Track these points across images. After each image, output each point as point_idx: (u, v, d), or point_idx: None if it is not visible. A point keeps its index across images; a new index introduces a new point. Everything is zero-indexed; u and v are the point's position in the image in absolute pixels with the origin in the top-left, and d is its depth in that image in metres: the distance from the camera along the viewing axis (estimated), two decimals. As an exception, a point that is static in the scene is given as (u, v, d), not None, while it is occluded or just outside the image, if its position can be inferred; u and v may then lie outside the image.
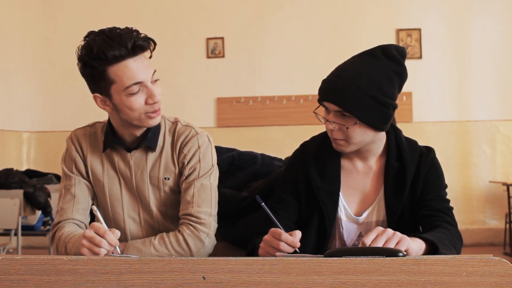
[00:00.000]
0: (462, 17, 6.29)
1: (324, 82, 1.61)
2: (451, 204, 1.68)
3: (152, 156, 1.71)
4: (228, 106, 6.33)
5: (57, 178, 5.39)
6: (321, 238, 1.67)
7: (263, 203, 1.45)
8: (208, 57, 6.31)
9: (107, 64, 1.55)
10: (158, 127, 1.72)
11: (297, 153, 1.75)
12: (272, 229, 1.41)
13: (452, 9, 6.29)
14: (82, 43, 1.59)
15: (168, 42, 5.96)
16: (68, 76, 6.17)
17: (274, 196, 1.75)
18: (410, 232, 1.57)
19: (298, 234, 1.39)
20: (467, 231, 5.88)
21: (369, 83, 1.54)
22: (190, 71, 6.27)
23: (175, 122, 1.76)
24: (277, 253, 1.37)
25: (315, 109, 1.66)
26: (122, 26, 1.61)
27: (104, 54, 1.53)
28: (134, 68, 1.56)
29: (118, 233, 1.44)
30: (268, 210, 1.45)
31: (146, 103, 1.59)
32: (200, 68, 6.29)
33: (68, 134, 1.69)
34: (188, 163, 1.70)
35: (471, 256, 1.15)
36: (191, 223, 1.66)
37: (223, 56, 6.34)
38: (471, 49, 6.27)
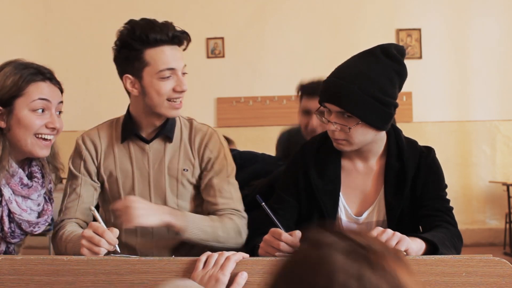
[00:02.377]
0: (462, 17, 6.29)
1: (325, 83, 1.61)
2: (451, 204, 1.68)
3: (170, 147, 1.75)
4: (228, 106, 6.33)
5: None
6: None
7: (263, 203, 1.45)
8: (208, 57, 6.31)
9: (147, 45, 1.63)
10: (174, 121, 1.77)
11: (297, 153, 1.75)
12: (272, 229, 1.41)
13: (452, 9, 6.29)
14: (122, 28, 1.67)
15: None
16: (68, 76, 6.17)
17: (274, 196, 1.75)
18: (411, 232, 1.57)
19: (298, 234, 1.38)
20: (467, 231, 5.87)
21: (370, 83, 1.53)
22: (190, 71, 6.23)
23: (189, 119, 1.83)
24: (277, 253, 1.37)
25: (317, 109, 1.65)
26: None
27: (146, 35, 1.62)
28: (170, 55, 1.65)
29: (116, 231, 1.44)
30: (268, 210, 1.45)
31: (174, 90, 1.66)
32: (200, 68, 6.28)
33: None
34: (216, 160, 1.75)
35: (471, 256, 1.16)
36: (242, 216, 1.74)
37: (223, 56, 6.33)
38: (471, 49, 6.27)
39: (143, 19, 1.67)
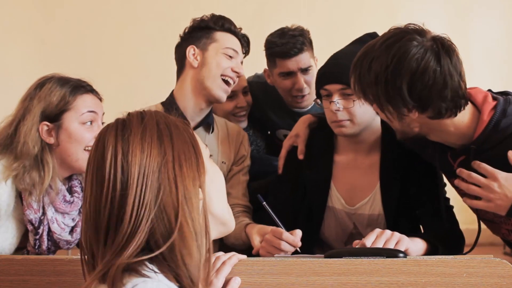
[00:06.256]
0: (463, 17, 6.29)
1: (322, 68, 1.67)
2: (451, 203, 1.68)
3: (209, 138, 1.83)
4: (228, 106, 6.33)
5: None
6: (314, 228, 1.68)
7: (264, 202, 1.46)
8: (208, 57, 6.32)
9: (220, 29, 1.85)
10: (211, 115, 1.88)
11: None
12: (273, 228, 1.42)
13: (452, 9, 6.30)
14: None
15: (168, 42, 5.93)
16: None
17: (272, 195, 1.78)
18: (410, 226, 1.57)
19: (298, 233, 1.39)
20: (467, 231, 5.83)
21: None
22: (190, 71, 6.27)
23: (223, 119, 1.96)
24: (276, 255, 1.37)
25: (314, 99, 1.70)
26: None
27: (222, 21, 1.86)
28: (236, 43, 1.86)
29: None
30: (269, 209, 1.45)
31: (231, 69, 1.82)
32: (200, 68, 6.29)
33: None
34: (246, 158, 1.88)
35: (471, 257, 1.15)
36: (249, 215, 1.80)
37: (223, 56, 6.34)
38: (471, 49, 6.27)
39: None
